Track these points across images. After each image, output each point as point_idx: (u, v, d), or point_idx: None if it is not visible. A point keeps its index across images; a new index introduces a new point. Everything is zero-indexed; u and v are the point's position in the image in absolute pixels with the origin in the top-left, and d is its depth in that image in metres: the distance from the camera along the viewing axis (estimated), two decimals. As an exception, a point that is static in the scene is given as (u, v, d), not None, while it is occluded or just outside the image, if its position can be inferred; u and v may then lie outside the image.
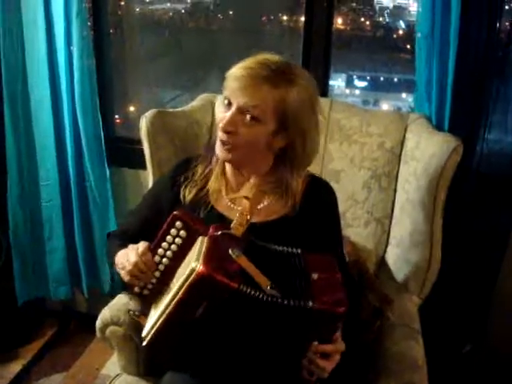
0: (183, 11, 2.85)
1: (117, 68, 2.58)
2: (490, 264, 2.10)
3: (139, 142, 1.93)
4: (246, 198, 1.43)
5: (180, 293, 1.14)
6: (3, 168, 2.34)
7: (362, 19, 2.72)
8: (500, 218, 2.04)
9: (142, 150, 1.91)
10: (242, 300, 1.13)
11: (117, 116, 2.67)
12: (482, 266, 2.09)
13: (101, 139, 2.28)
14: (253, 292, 1.12)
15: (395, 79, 2.89)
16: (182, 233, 1.31)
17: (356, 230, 1.88)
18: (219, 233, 1.26)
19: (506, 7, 1.97)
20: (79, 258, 2.43)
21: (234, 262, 1.16)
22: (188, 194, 1.48)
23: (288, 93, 1.30)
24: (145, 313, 1.39)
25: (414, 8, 2.38)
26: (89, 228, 2.42)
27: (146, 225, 1.51)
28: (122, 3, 2.65)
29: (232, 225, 1.33)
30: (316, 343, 1.19)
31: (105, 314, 1.58)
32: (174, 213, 1.31)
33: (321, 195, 1.50)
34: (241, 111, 1.31)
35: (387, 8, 2.68)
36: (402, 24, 2.66)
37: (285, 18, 2.67)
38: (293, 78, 1.32)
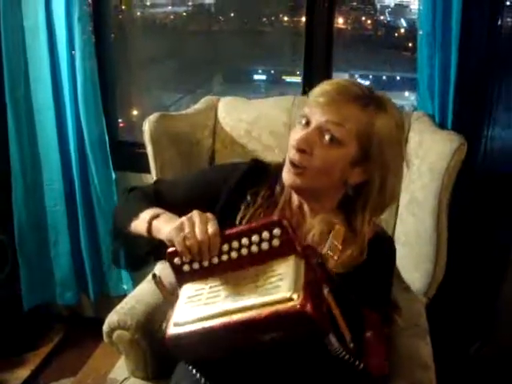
0: (184, 14, 2.86)
1: (119, 72, 2.58)
2: (496, 261, 2.10)
3: (143, 145, 1.92)
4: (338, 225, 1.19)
5: (261, 312, 0.97)
6: (8, 173, 2.35)
7: (364, 18, 2.72)
8: (505, 215, 2.04)
9: (145, 154, 1.91)
10: (316, 343, 1.00)
11: (120, 120, 2.68)
12: (488, 263, 2.09)
13: (105, 143, 2.29)
14: (336, 345, 0.98)
15: (397, 78, 2.89)
16: (275, 241, 1.08)
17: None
18: (316, 261, 1.07)
19: (508, 3, 1.96)
20: (85, 262, 2.43)
21: (324, 301, 1.00)
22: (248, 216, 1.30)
23: (377, 118, 1.19)
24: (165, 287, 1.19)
25: (415, 6, 2.37)
26: (94, 232, 2.42)
27: (188, 203, 1.23)
28: (124, 7, 2.66)
29: (324, 252, 1.12)
30: None
31: (112, 318, 1.58)
32: (277, 218, 1.09)
33: (384, 250, 1.34)
34: (320, 130, 1.17)
35: (388, 7, 2.68)
36: (403, 22, 2.66)
37: (286, 18, 2.67)
38: (384, 103, 1.21)
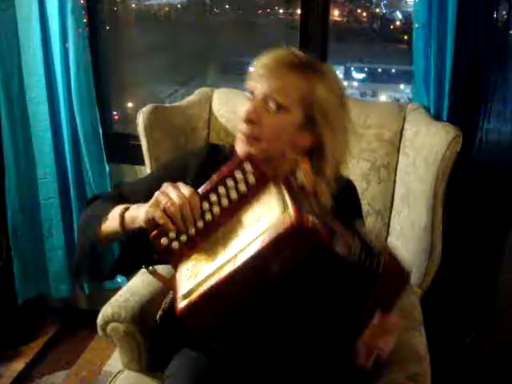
0: (179, 6, 2.84)
1: (114, 64, 2.57)
2: (492, 253, 2.10)
3: (137, 137, 1.91)
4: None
5: (262, 242, 0.95)
6: (1, 167, 2.33)
7: (359, 11, 2.71)
8: (500, 207, 2.04)
9: (140, 146, 1.90)
10: (322, 259, 0.97)
11: (115, 112, 2.68)
12: (484, 255, 2.09)
13: (99, 135, 2.28)
14: (345, 251, 0.96)
15: (393, 70, 2.89)
16: (250, 178, 1.07)
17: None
18: (291, 178, 1.09)
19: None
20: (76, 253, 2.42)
21: (316, 214, 0.98)
22: None
23: (317, 84, 1.23)
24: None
25: (410, -1, 2.38)
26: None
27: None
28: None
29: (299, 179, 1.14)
30: (379, 313, 1.06)
31: (106, 310, 1.57)
32: (246, 154, 1.12)
33: (348, 196, 1.42)
34: (265, 100, 1.22)
35: (384, -1, 2.67)
36: (398, 15, 2.65)
37: (281, 11, 2.66)
38: (323, 71, 1.27)
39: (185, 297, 1.01)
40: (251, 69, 1.27)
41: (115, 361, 1.69)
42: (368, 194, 1.87)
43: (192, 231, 1.09)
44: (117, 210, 1.22)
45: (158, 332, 1.50)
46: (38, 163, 2.35)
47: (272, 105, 1.22)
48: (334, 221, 1.02)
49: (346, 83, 3.05)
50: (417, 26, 1.86)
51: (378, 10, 2.71)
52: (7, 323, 2.47)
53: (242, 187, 1.08)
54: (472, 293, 2.14)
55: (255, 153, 1.21)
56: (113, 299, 1.61)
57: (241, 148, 1.25)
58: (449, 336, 2.13)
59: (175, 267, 1.12)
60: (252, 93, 1.25)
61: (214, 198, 1.10)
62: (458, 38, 1.78)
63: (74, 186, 2.32)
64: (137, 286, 1.67)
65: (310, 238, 0.95)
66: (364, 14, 2.72)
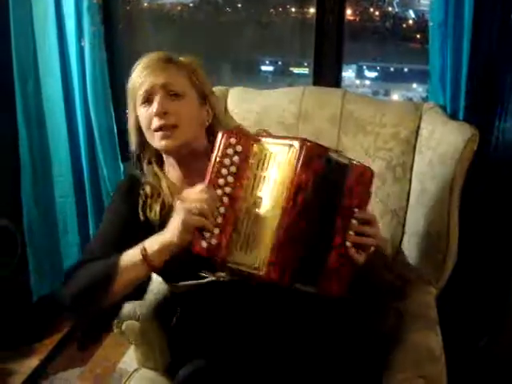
0: (192, 5, 2.85)
1: (129, 62, 2.57)
2: (507, 254, 2.08)
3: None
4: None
5: (288, 178, 1.12)
6: (17, 164, 2.35)
7: (372, 9, 2.71)
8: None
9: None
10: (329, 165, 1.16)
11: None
12: (499, 256, 2.08)
13: (114, 133, 2.30)
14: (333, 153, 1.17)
15: (405, 69, 2.88)
16: (238, 148, 1.20)
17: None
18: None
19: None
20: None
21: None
22: (154, 215, 1.41)
23: (192, 68, 1.45)
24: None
25: (423, -3, 2.37)
26: (103, 222, 2.42)
27: (122, 242, 1.30)
28: (132, -2, 2.66)
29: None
30: (356, 210, 1.21)
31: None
32: (222, 133, 1.22)
33: None
34: (164, 92, 1.36)
35: (397, -2, 2.67)
36: (411, 14, 2.65)
37: (293, 9, 2.66)
38: (190, 61, 1.47)
39: (260, 266, 1.12)
40: (133, 82, 1.43)
41: (130, 358, 1.70)
42: (383, 193, 1.86)
43: (219, 219, 1.18)
44: (133, 256, 1.21)
45: (173, 334, 1.54)
46: (53, 161, 2.37)
47: (172, 94, 1.37)
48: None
49: (358, 82, 3.05)
50: (433, 24, 1.85)
51: (390, 9, 2.71)
52: (22, 320, 2.48)
53: (236, 159, 1.20)
54: (487, 294, 2.12)
55: (177, 143, 1.36)
56: (127, 297, 1.62)
57: (162, 142, 1.36)
58: (463, 338, 2.12)
59: (224, 258, 1.18)
60: (146, 96, 1.38)
61: (221, 181, 1.20)
62: (474, 37, 1.77)
63: (89, 183, 2.34)
64: (153, 283, 1.67)
65: (320, 152, 1.15)
66: (377, 12, 2.72)
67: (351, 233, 1.20)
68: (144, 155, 1.50)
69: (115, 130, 2.30)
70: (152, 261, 1.19)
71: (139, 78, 1.40)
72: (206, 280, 1.32)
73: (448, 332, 1.65)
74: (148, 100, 1.38)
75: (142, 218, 1.41)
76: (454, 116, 1.86)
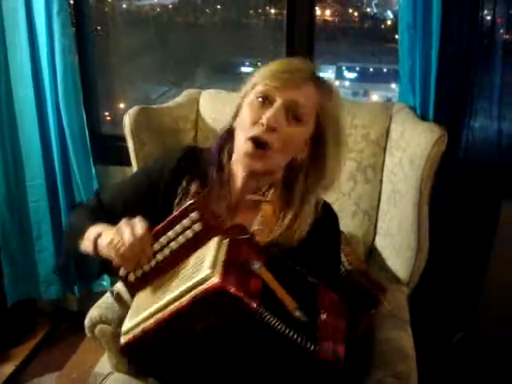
0: (170, 6, 2.84)
1: (105, 65, 2.57)
2: (479, 252, 2.11)
3: (125, 138, 1.91)
4: (269, 202, 1.27)
5: (184, 299, 0.99)
6: (-11, 169, 2.33)
7: (350, 10, 2.72)
8: (487, 205, 2.05)
9: (128, 147, 1.90)
10: (251, 322, 0.97)
11: (107, 113, 2.68)
12: (471, 253, 2.10)
13: (86, 137, 2.28)
14: (271, 318, 0.96)
15: (384, 70, 2.89)
16: (197, 226, 1.09)
17: (343, 221, 1.86)
18: (240, 238, 1.09)
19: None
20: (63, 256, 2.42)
21: (255, 277, 1.01)
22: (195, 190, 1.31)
23: (329, 98, 1.24)
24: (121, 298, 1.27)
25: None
26: (77, 227, 2.40)
27: (131, 207, 1.28)
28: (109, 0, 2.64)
29: (253, 230, 1.19)
30: None
31: (93, 312, 1.57)
32: (191, 201, 1.10)
33: (327, 221, 1.36)
34: (286, 108, 1.19)
35: (374, -2, 2.68)
36: (389, 14, 2.66)
37: (272, 11, 2.66)
38: (330, 84, 1.28)
39: (124, 334, 1.11)
40: (264, 72, 1.24)
41: (105, 363, 1.68)
42: (355, 194, 1.87)
43: (146, 267, 1.15)
44: (91, 234, 1.22)
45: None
46: (26, 165, 2.34)
47: (292, 115, 1.20)
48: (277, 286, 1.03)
49: (337, 83, 3.06)
50: (402, 25, 1.87)
51: (368, 10, 2.72)
52: (-3, 326, 2.47)
53: (189, 233, 1.11)
54: (459, 292, 2.15)
55: (261, 167, 1.21)
56: (100, 301, 1.61)
57: (247, 161, 1.21)
58: (436, 335, 2.14)
59: (132, 296, 1.20)
60: (267, 96, 1.21)
61: (164, 240, 1.14)
62: (443, 38, 1.79)
63: (62, 187, 2.32)
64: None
65: (233, 301, 0.96)
66: (355, 13, 2.72)
67: None
68: (226, 143, 1.34)
69: (87, 134, 2.28)
70: (97, 248, 1.19)
71: (273, 76, 1.21)
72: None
73: (422, 329, 1.67)
74: (265, 100, 1.20)
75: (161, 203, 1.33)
76: (423, 116, 1.88)
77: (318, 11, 2.37)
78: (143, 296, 1.15)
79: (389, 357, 1.46)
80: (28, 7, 2.12)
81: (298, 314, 1.00)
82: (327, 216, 1.35)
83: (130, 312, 1.16)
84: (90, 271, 1.39)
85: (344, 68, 3.08)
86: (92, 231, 1.22)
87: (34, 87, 2.21)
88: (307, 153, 1.26)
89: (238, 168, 1.30)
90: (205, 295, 0.96)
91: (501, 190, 2.06)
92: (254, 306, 0.95)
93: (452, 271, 2.10)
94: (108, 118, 2.71)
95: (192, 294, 0.98)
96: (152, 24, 2.74)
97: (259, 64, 3.03)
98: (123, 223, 1.13)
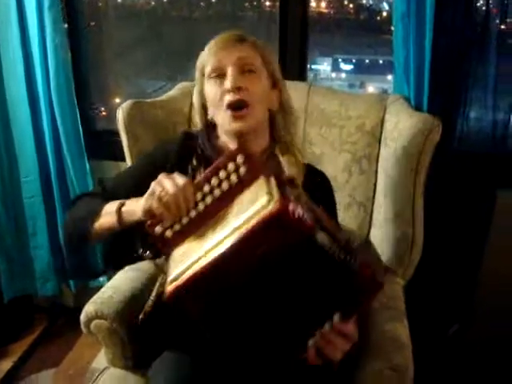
0: (165, 0, 2.83)
1: (98, 60, 2.56)
2: (474, 242, 2.11)
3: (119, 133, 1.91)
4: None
5: (244, 229, 0.97)
6: (-17, 165, 2.32)
7: (346, 2, 2.71)
8: (482, 196, 2.05)
9: (121, 142, 1.90)
10: (307, 246, 0.98)
11: (102, 109, 2.67)
12: (466, 244, 2.10)
13: (79, 132, 2.28)
14: (328, 241, 0.98)
15: (380, 61, 2.89)
16: (242, 170, 1.10)
17: (338, 213, 1.87)
18: (283, 177, 1.10)
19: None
20: (64, 252, 2.42)
21: (303, 203, 1.01)
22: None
23: (265, 48, 1.39)
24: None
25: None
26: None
27: (137, 192, 1.25)
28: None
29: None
30: (337, 318, 1.05)
31: (89, 308, 1.56)
32: (234, 147, 1.16)
33: (319, 183, 1.47)
34: (238, 67, 1.32)
35: (370, -11, 2.67)
36: (385, 5, 2.65)
37: (267, 3, 2.65)
38: (259, 42, 1.40)
39: (173, 281, 1.05)
40: (205, 55, 1.38)
41: (103, 358, 1.69)
42: (350, 186, 1.87)
43: (185, 220, 1.13)
44: (112, 206, 1.25)
45: (139, 332, 1.51)
46: (20, 162, 2.35)
47: (247, 70, 1.32)
48: (321, 213, 1.04)
49: (334, 75, 3.05)
50: (395, 15, 1.86)
51: (364, 1, 2.71)
52: (-7, 322, 2.47)
53: (234, 178, 1.10)
54: (454, 283, 2.15)
55: (248, 125, 1.32)
56: (95, 296, 1.60)
57: (234, 124, 1.32)
58: (432, 326, 2.14)
59: (168, 255, 1.15)
60: (219, 70, 1.33)
61: (206, 188, 1.13)
62: (436, 28, 1.78)
63: (56, 183, 2.32)
64: (120, 282, 1.66)
65: (293, 225, 0.96)
66: (351, 5, 2.72)
67: (317, 334, 1.07)
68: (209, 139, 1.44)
69: (81, 130, 2.28)
70: (122, 217, 1.23)
71: (211, 52, 1.36)
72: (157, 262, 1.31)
73: (418, 320, 1.67)
74: (219, 75, 1.33)
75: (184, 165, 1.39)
76: (418, 107, 1.88)
77: (313, 3, 2.37)
78: (184, 247, 1.13)
79: (385, 348, 1.46)
80: (19, 2, 2.11)
81: (344, 242, 1.01)
82: (317, 178, 1.48)
83: (171, 265, 1.11)
84: (92, 267, 1.44)
85: (340, 60, 3.07)
86: (111, 205, 1.26)
87: (26, 83, 2.21)
88: (276, 99, 1.40)
89: (230, 145, 1.38)
90: (271, 218, 0.95)
91: (496, 179, 2.06)
92: (315, 227, 0.97)
93: (447, 262, 2.10)
94: (104, 114, 2.70)
95: (258, 218, 0.97)
96: (146, 18, 2.73)
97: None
98: (162, 176, 1.15)
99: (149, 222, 1.15)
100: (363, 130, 1.86)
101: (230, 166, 1.11)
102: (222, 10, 2.70)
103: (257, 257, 1.00)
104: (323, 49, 2.77)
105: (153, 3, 2.82)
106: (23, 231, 2.44)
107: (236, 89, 1.30)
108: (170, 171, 1.29)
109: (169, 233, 1.15)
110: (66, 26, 2.27)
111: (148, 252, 1.28)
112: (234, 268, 1.02)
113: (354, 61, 3.09)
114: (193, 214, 1.13)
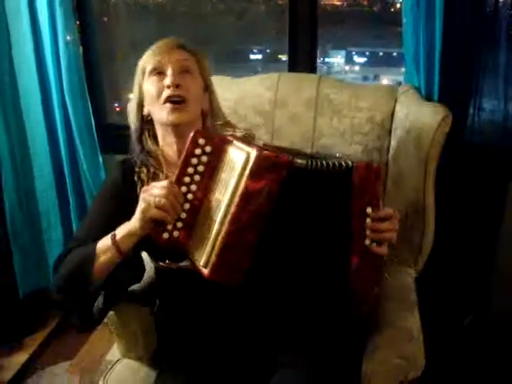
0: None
1: (110, 55, 2.58)
2: (487, 234, 2.09)
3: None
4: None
5: (240, 186, 1.14)
6: (-4, 161, 2.35)
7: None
8: (494, 186, 2.03)
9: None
10: (295, 179, 1.15)
11: (116, 104, 2.71)
12: (479, 236, 2.09)
13: (92, 127, 2.29)
14: (303, 161, 1.15)
15: (394, 54, 2.87)
16: (208, 148, 1.22)
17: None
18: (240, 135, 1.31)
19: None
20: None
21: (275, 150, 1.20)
22: None
23: (201, 56, 1.50)
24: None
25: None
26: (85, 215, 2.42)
27: (111, 224, 1.31)
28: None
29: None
30: (369, 210, 1.20)
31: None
32: (192, 133, 1.23)
33: None
34: (177, 67, 1.41)
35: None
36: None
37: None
38: (199, 50, 1.52)
39: (205, 265, 1.17)
40: (146, 58, 1.47)
41: (116, 351, 1.70)
42: (361, 178, 1.86)
43: (183, 215, 1.23)
44: (105, 241, 1.28)
45: (158, 323, 1.56)
46: (33, 156, 2.36)
47: (184, 70, 1.42)
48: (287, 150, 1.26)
49: (347, 68, 3.04)
50: (405, 5, 1.85)
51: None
52: (10, 316, 2.49)
53: (204, 159, 1.22)
54: (468, 274, 2.14)
55: (185, 117, 1.40)
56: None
57: (171, 116, 1.39)
58: (447, 318, 2.13)
59: (186, 251, 1.25)
60: (159, 68, 1.42)
61: (187, 179, 1.23)
62: (446, 18, 1.77)
63: (69, 177, 2.34)
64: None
65: (273, 162, 1.13)
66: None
67: (368, 232, 1.21)
68: (143, 133, 1.52)
69: (93, 124, 2.29)
70: (120, 246, 1.26)
71: (154, 53, 1.45)
72: (182, 264, 1.35)
73: (433, 311, 1.66)
74: (159, 73, 1.42)
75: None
76: (429, 97, 1.87)
77: (325, -5, 2.37)
78: (197, 235, 1.22)
79: (395, 338, 1.46)
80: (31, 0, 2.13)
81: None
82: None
83: (195, 253, 1.21)
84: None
85: (354, 53, 3.06)
86: (102, 242, 1.29)
87: (38, 79, 2.23)
88: (208, 102, 1.51)
89: (168, 138, 1.46)
90: (255, 168, 1.12)
91: (508, 171, 2.04)
92: (288, 158, 1.14)
93: (461, 254, 2.09)
94: (118, 109, 2.72)
95: (244, 178, 1.13)
96: (157, 13, 2.74)
97: (268, 51, 3.02)
98: (146, 189, 1.24)
99: (153, 234, 1.23)
100: (374, 121, 1.84)
101: (197, 150, 1.22)
102: (232, 5, 2.71)
103: (263, 203, 1.14)
104: (336, 41, 2.76)
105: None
106: (37, 226, 2.46)
107: (175, 85, 1.38)
108: (130, 193, 1.40)
109: (176, 233, 1.23)
110: (77, 22, 2.28)
111: (167, 260, 1.38)
112: (249, 224, 1.15)
113: (367, 53, 3.08)
114: (187, 206, 1.23)
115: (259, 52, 3.04)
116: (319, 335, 1.39)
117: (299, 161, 1.15)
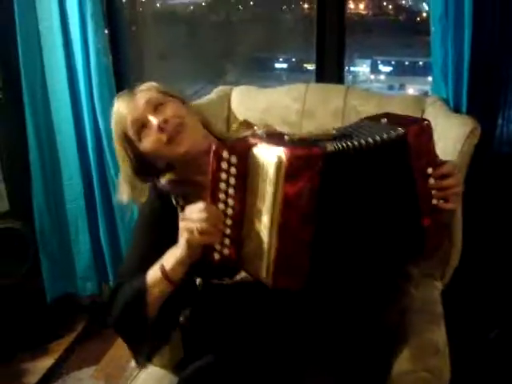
0: (203, 4, 2.86)
1: (138, 64, 2.60)
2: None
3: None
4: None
5: (278, 192, 1.08)
6: (27, 172, 2.39)
7: (385, 3, 2.69)
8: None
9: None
10: (335, 165, 1.10)
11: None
12: (506, 249, 2.06)
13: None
14: (345, 144, 1.11)
15: (420, 63, 2.86)
16: (233, 159, 1.15)
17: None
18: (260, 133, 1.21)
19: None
20: (105, 254, 2.48)
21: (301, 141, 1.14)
22: None
23: (155, 87, 1.47)
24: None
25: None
26: (113, 225, 2.46)
27: (159, 251, 1.29)
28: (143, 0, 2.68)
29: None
30: (430, 170, 1.19)
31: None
32: (213, 148, 1.16)
33: None
34: (150, 108, 1.40)
35: (409, -9, 2.66)
36: (425, 6, 2.62)
37: (306, 6, 2.65)
38: (149, 85, 1.49)
39: (266, 276, 1.13)
40: (118, 120, 1.45)
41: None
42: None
43: (228, 231, 1.18)
44: (154, 273, 1.26)
45: (185, 331, 1.53)
46: (62, 166, 2.41)
47: (157, 105, 1.40)
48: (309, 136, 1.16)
49: (372, 77, 3.03)
50: (433, 17, 1.84)
51: (403, 2, 2.69)
52: (37, 321, 2.53)
53: (233, 170, 1.16)
54: (495, 288, 2.11)
55: (193, 140, 1.39)
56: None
57: (182, 149, 1.38)
58: (473, 331, 2.11)
59: (240, 265, 1.22)
60: (140, 122, 1.39)
61: (222, 195, 1.17)
62: (475, 29, 1.75)
63: (98, 186, 2.37)
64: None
65: (306, 159, 1.08)
66: (390, 6, 2.70)
67: (434, 192, 1.20)
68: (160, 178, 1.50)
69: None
70: (170, 276, 1.23)
71: (122, 118, 1.43)
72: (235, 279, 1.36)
73: (458, 324, 1.64)
74: (143, 127, 1.40)
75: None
76: (457, 109, 1.85)
77: (351, 4, 2.36)
78: (248, 247, 1.18)
79: (421, 351, 1.45)
80: (62, 13, 2.18)
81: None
82: None
83: (249, 266, 1.19)
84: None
85: (379, 62, 3.05)
86: (150, 274, 1.26)
87: (69, 88, 2.27)
88: (194, 112, 1.48)
89: (192, 167, 1.43)
90: (290, 172, 1.07)
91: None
92: (320, 150, 1.08)
93: (487, 266, 2.06)
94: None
95: (280, 182, 1.08)
96: (185, 22, 2.76)
97: (293, 60, 3.03)
98: (184, 216, 1.20)
99: (204, 258, 1.20)
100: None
101: (223, 164, 1.16)
102: (260, 13, 2.72)
103: (309, 203, 1.09)
104: (362, 51, 2.76)
105: (192, 7, 2.85)
106: (66, 233, 2.50)
107: (163, 123, 1.36)
108: (170, 218, 1.35)
109: (226, 250, 1.19)
110: (107, 31, 2.32)
111: (225, 278, 1.37)
112: (299, 224, 1.11)
113: (393, 62, 3.07)
114: (229, 222, 1.18)
115: (284, 61, 3.05)
116: (350, 342, 1.39)
117: (329, 147, 1.10)
